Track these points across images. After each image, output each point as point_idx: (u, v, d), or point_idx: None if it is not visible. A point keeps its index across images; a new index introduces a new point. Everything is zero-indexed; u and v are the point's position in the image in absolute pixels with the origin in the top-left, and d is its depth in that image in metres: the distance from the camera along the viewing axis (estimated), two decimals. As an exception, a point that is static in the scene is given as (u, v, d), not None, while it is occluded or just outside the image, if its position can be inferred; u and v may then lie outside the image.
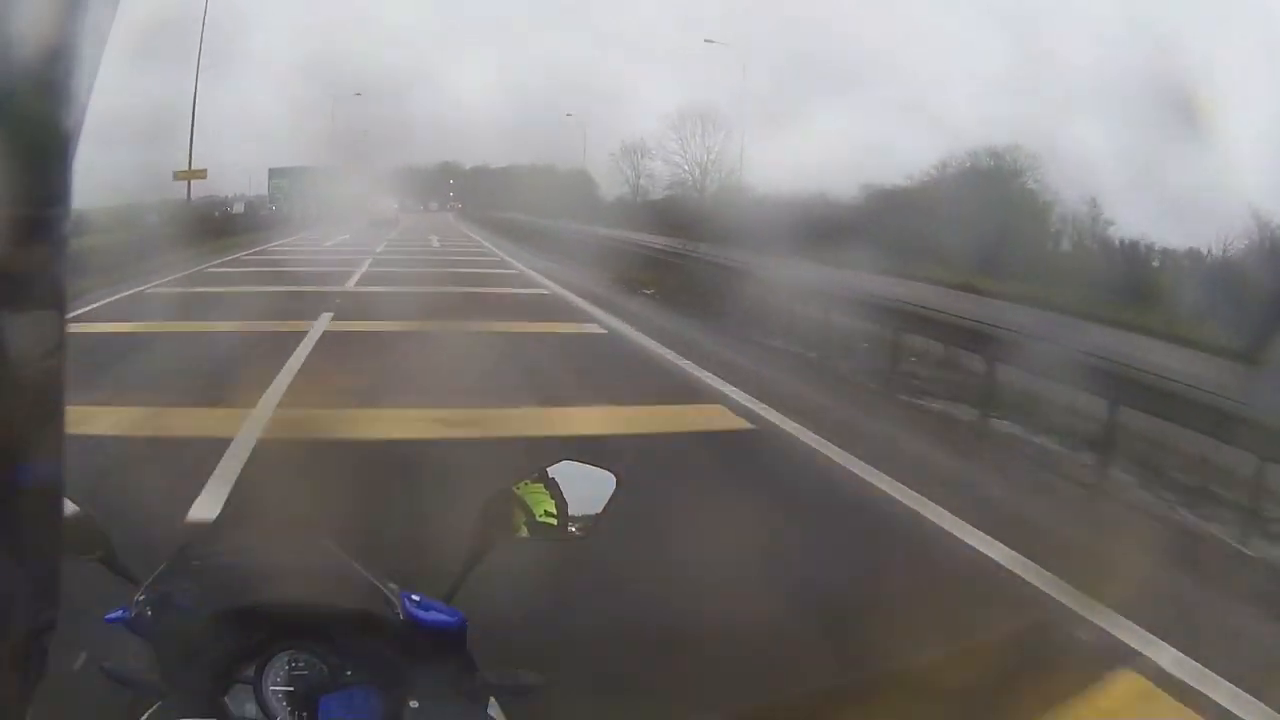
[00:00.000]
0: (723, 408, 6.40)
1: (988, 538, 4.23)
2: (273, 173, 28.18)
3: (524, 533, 1.39)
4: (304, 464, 4.33)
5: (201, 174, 18.39)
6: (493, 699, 1.32)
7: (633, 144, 28.48)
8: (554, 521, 1.40)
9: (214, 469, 4.53)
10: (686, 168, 25.56)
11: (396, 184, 34.46)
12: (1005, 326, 7.35)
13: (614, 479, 1.45)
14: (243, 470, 4.54)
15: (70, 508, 1.22)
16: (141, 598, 1.22)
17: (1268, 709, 3.00)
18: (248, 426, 5.25)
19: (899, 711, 2.73)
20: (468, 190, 36.46)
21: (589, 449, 1.81)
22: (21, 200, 0.56)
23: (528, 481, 1.41)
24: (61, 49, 0.56)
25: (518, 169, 34.26)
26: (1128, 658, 3.48)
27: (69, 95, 0.57)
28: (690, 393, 6.75)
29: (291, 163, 27.05)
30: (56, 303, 0.58)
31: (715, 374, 7.23)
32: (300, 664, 1.23)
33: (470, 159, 35.16)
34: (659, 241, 15.51)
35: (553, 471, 1.41)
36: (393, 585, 1.27)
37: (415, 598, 1.26)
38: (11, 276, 0.56)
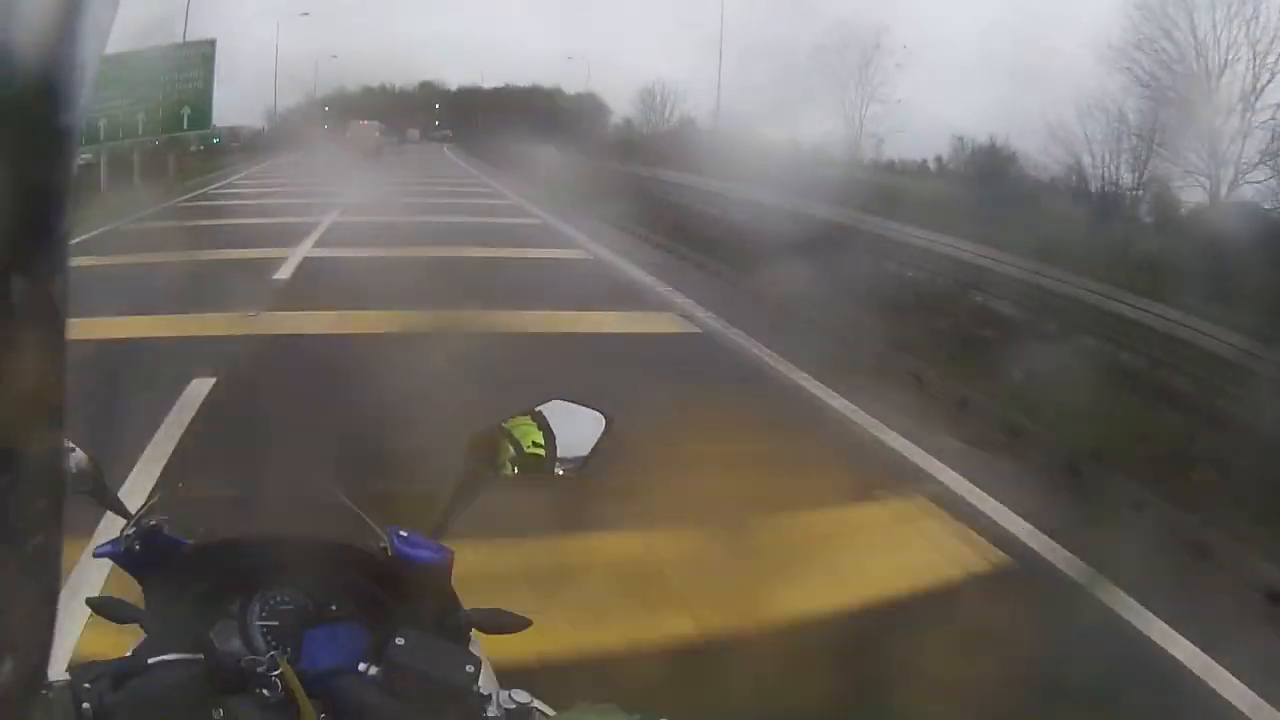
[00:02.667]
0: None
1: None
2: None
3: (511, 470, 1.56)
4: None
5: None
6: (475, 635, 1.46)
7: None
8: (541, 458, 1.57)
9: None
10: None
11: (363, 105, 32.28)
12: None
13: (604, 419, 1.62)
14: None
15: (68, 449, 1.37)
16: (130, 531, 1.37)
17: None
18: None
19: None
20: (455, 116, 35.15)
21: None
22: (20, 201, 0.63)
23: (515, 417, 1.59)
24: (61, 49, 0.65)
25: (514, 91, 33.23)
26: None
27: (69, 95, 0.65)
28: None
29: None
30: (56, 303, 0.66)
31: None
32: (285, 599, 1.39)
33: (455, 78, 34.00)
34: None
35: (542, 409, 1.60)
36: (381, 520, 1.42)
37: (403, 533, 1.40)
38: (10, 277, 0.63)
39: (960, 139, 21.73)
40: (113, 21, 0.67)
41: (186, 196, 19.16)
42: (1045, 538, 5.36)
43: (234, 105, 26.20)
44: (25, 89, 0.64)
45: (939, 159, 22.68)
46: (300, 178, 22.53)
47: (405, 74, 32.24)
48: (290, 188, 20.78)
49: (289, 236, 13.48)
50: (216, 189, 21.65)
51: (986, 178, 19.68)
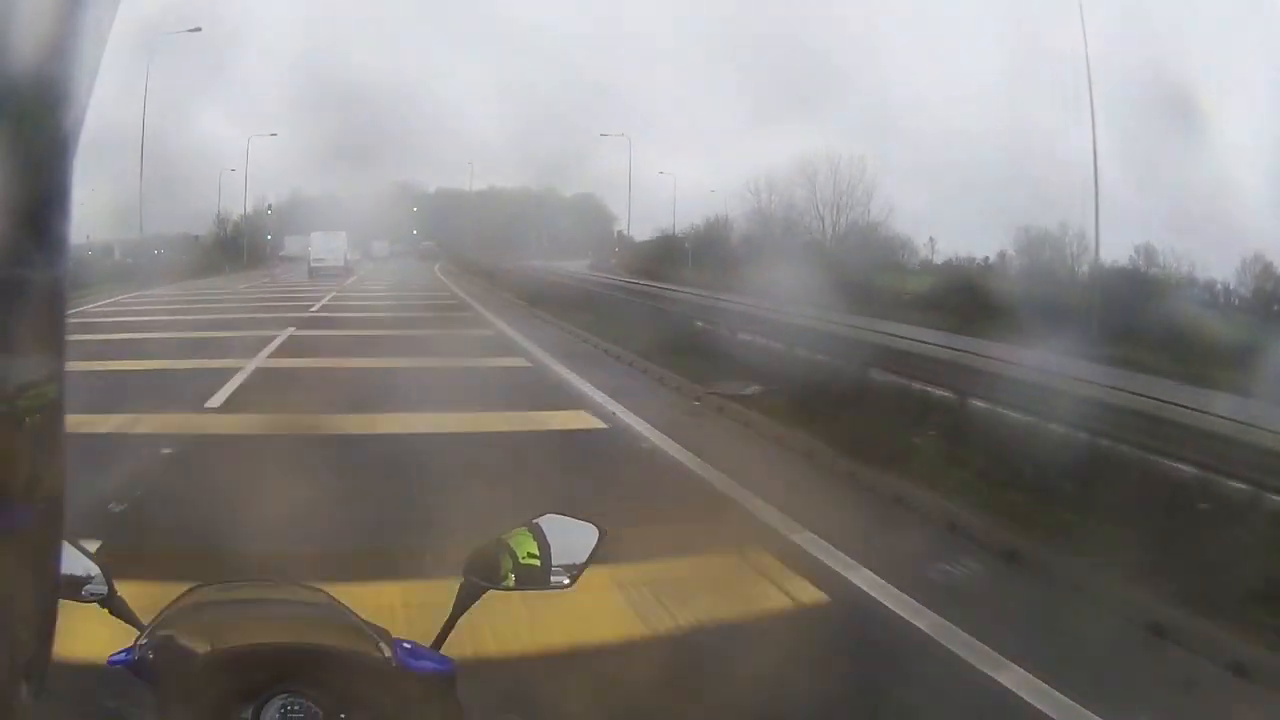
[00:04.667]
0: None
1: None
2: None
3: (510, 582, 1.79)
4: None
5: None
6: None
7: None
8: (538, 569, 1.80)
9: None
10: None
11: (324, 212, 26.54)
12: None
13: (597, 531, 1.83)
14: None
15: (73, 553, 1.61)
16: (144, 641, 1.56)
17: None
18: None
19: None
20: (436, 222, 29.97)
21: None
22: (21, 200, 0.71)
23: (514, 531, 1.80)
24: (61, 49, 0.75)
25: (503, 193, 28.44)
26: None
27: (69, 95, 0.74)
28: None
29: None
30: (57, 301, 0.74)
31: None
32: (295, 707, 1.55)
33: (435, 179, 28.88)
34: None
35: (538, 521, 1.81)
36: (385, 632, 1.60)
37: (407, 644, 1.61)
38: (10, 277, 0.70)
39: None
40: (113, 22, 0.77)
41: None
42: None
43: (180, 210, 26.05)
44: (25, 89, 0.74)
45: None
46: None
47: (375, 171, 28.72)
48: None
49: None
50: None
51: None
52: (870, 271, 20.94)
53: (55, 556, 0.76)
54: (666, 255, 26.48)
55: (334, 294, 22.69)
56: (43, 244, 0.73)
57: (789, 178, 25.23)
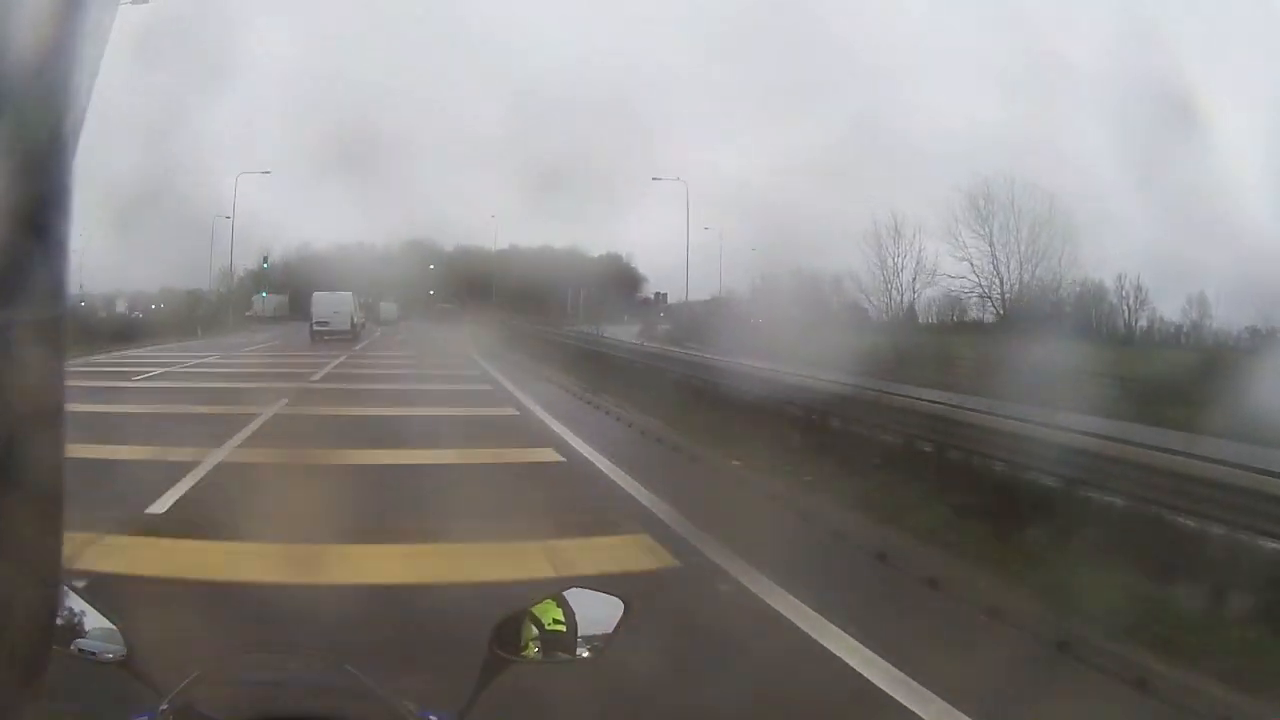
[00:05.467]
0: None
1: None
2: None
3: (535, 654, 1.81)
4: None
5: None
6: None
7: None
8: (563, 637, 1.82)
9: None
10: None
11: (332, 266, 24.92)
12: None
13: (623, 605, 1.85)
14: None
15: (94, 615, 1.67)
16: (165, 706, 1.56)
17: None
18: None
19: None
20: (453, 282, 29.64)
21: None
22: (21, 200, 0.73)
23: (540, 604, 1.83)
24: (61, 49, 0.77)
25: (525, 253, 28.17)
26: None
27: (69, 95, 0.76)
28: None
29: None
30: (56, 302, 0.75)
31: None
32: None
33: (453, 237, 28.94)
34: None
35: (565, 594, 1.84)
36: (410, 705, 1.62)
37: (433, 717, 1.64)
38: (11, 276, 0.72)
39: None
40: (113, 22, 0.80)
41: None
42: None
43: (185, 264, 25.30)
44: (25, 89, 0.76)
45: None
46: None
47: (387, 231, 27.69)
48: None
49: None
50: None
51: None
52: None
53: (55, 559, 0.77)
54: (727, 321, 23.27)
55: (286, 401, 13.95)
56: (43, 244, 0.75)
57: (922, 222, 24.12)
